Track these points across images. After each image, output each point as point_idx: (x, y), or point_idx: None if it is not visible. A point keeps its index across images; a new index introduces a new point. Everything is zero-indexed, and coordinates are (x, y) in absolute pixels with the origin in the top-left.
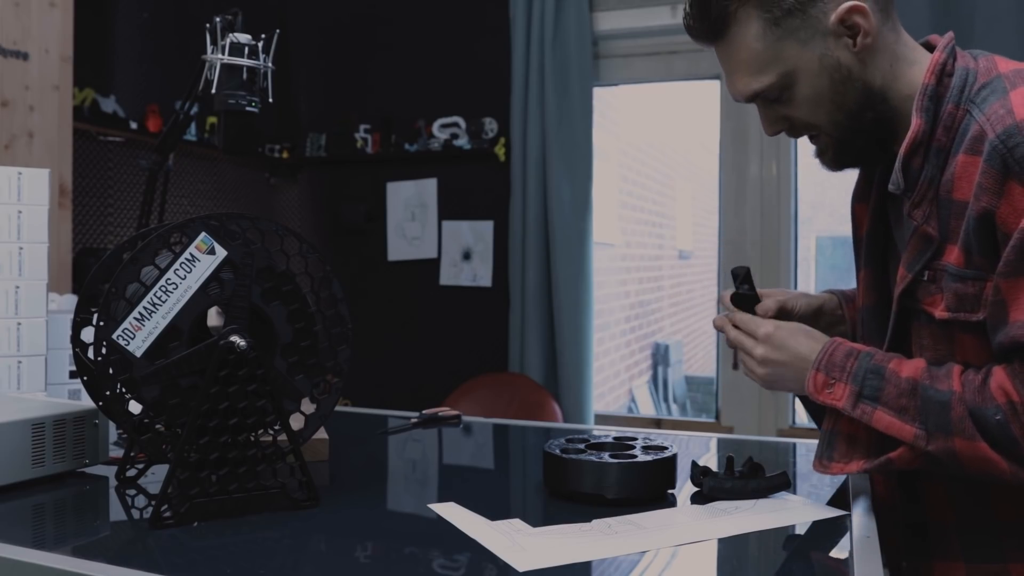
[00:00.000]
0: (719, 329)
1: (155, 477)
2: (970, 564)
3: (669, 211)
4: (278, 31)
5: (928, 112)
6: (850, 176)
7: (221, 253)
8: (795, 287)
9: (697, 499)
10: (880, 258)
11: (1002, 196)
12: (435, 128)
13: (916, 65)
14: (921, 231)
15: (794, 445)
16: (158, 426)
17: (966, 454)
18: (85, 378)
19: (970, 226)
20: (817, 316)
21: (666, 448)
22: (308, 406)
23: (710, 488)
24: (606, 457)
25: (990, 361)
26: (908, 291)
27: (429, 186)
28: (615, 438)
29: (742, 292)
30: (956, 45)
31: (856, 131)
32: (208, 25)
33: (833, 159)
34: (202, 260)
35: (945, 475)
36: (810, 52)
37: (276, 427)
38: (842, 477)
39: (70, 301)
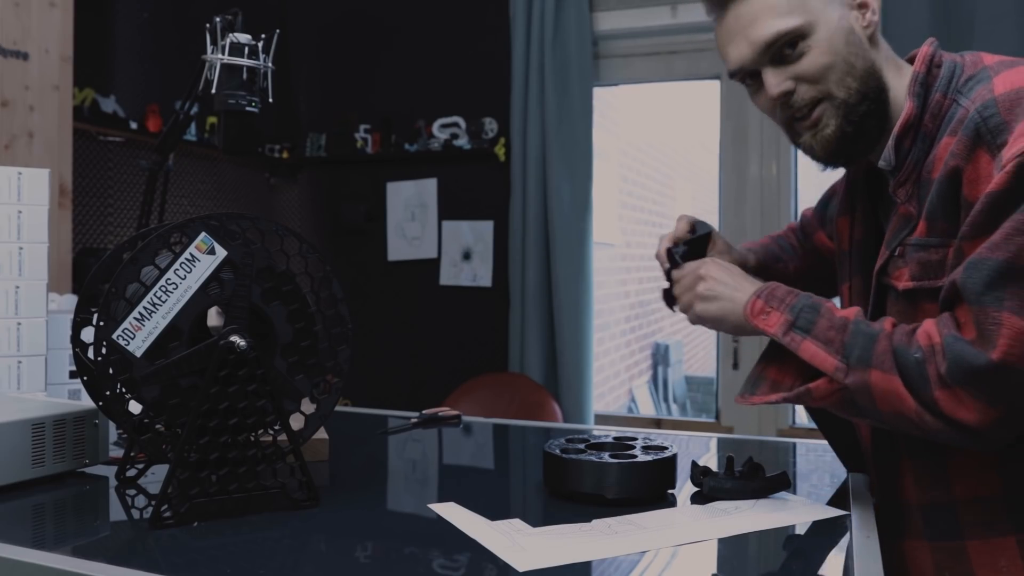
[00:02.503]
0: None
1: (155, 477)
2: (932, 542)
3: (669, 211)
4: (278, 31)
5: (919, 97)
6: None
7: (221, 253)
8: None
9: (697, 499)
10: (871, 267)
11: (969, 161)
12: (435, 128)
13: (903, 70)
14: (902, 210)
15: (794, 445)
16: (158, 426)
17: (879, 387)
18: (85, 378)
19: (937, 191)
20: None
21: (666, 448)
22: (308, 406)
23: (710, 488)
24: (606, 457)
25: None
26: (883, 268)
27: (429, 186)
28: (615, 438)
29: (680, 253)
30: (943, 49)
31: (863, 96)
32: (208, 25)
33: (836, 130)
34: (202, 260)
35: (912, 444)
36: (831, 10)
37: (276, 427)
38: (842, 476)
39: (70, 301)
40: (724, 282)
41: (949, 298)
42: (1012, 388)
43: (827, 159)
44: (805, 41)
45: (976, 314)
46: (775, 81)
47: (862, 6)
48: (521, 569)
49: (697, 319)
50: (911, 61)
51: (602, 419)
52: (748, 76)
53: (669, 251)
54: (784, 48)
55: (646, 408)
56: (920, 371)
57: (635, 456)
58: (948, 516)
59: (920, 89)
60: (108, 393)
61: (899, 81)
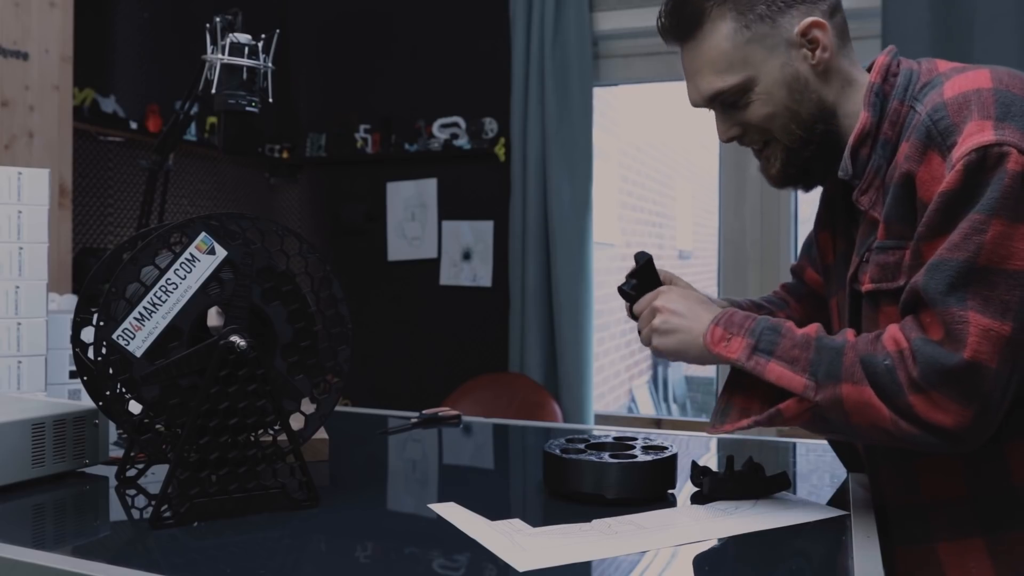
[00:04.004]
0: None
1: (155, 477)
2: (902, 546)
3: (669, 211)
4: (278, 31)
5: (875, 107)
6: None
7: (221, 253)
8: None
9: (697, 499)
10: None
11: (922, 163)
12: (435, 128)
13: (861, 84)
14: (868, 216)
15: (794, 445)
16: (158, 426)
17: (852, 399)
18: (85, 378)
19: (893, 194)
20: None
21: (666, 448)
22: (308, 406)
23: (710, 488)
24: (606, 457)
25: None
26: (854, 275)
27: (429, 186)
28: (615, 438)
29: (628, 287)
30: (900, 55)
31: (806, 141)
32: (208, 25)
33: (780, 171)
34: (202, 260)
35: (885, 451)
36: (773, 59)
37: (276, 427)
38: (842, 476)
39: (70, 301)
40: (680, 313)
41: (911, 302)
42: (984, 385)
43: (779, 187)
44: (747, 94)
45: (941, 315)
46: (723, 128)
47: (812, 42)
48: (521, 569)
49: (657, 353)
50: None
51: (602, 419)
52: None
53: (620, 289)
54: (727, 100)
55: (646, 408)
56: (891, 378)
57: (635, 456)
58: (918, 520)
59: (875, 99)
60: (108, 393)
61: (856, 100)
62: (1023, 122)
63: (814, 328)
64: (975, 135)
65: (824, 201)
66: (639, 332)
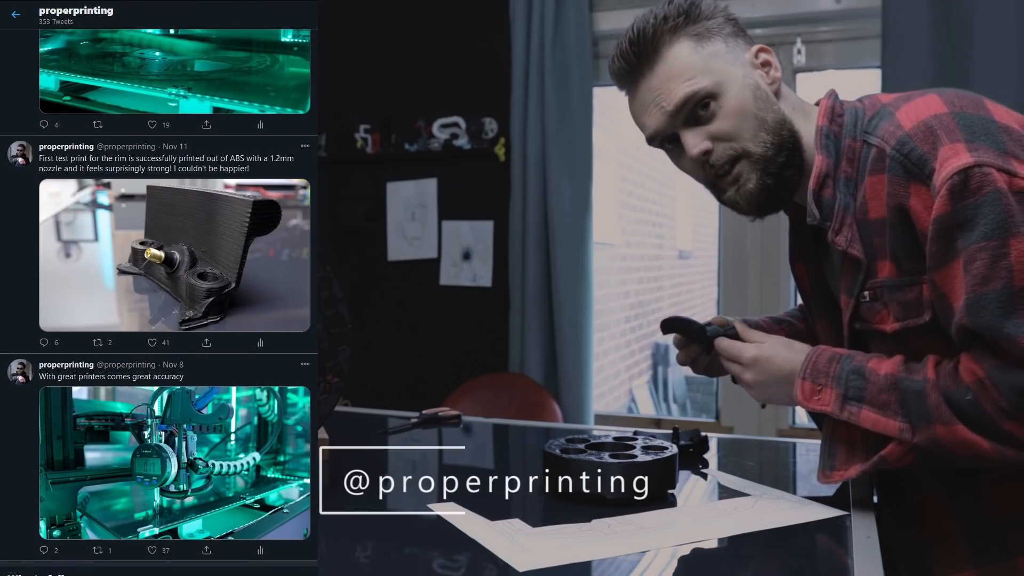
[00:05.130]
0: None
1: None
2: (980, 567)
3: (669, 211)
4: None
5: (828, 149)
6: None
7: None
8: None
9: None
10: (831, 307)
11: (910, 196)
12: (435, 128)
13: (811, 116)
14: (849, 256)
15: (794, 445)
16: None
17: (948, 440)
18: None
19: (893, 232)
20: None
21: (666, 448)
22: None
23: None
24: (606, 457)
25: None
26: (855, 315)
27: (429, 186)
28: (615, 438)
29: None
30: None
31: (779, 147)
32: None
33: (758, 183)
34: None
35: (941, 473)
36: (735, 70)
37: None
38: None
39: None
40: (768, 371)
41: (966, 339)
42: None
43: (753, 212)
44: (716, 101)
45: (1006, 344)
46: (693, 142)
47: (765, 64)
48: (521, 569)
49: (762, 401)
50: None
51: (602, 419)
52: (667, 141)
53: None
54: (696, 109)
55: (646, 408)
56: (978, 411)
57: (635, 456)
58: (994, 536)
59: (827, 140)
60: None
61: (808, 126)
62: (989, 140)
63: (896, 366)
64: (951, 159)
65: (793, 233)
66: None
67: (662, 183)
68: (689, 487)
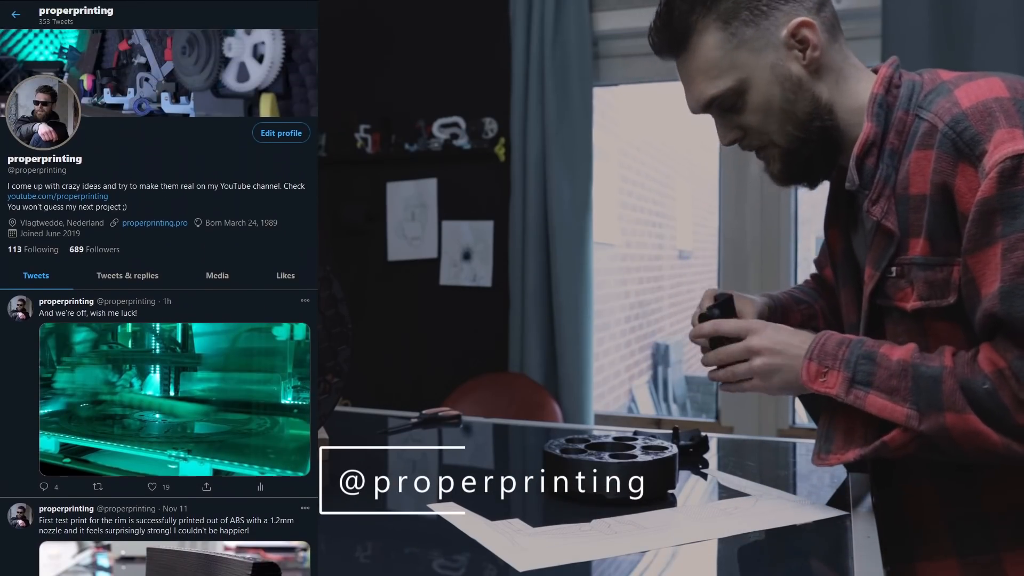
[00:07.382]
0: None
1: None
2: (963, 558)
3: (669, 211)
4: None
5: (879, 118)
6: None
7: None
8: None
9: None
10: (856, 276)
11: (956, 176)
12: (435, 128)
13: (862, 83)
14: (882, 227)
15: (794, 445)
16: None
17: (958, 428)
18: None
19: (932, 211)
20: (774, 314)
21: (666, 448)
22: None
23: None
24: (606, 457)
25: (965, 347)
26: (878, 290)
27: (429, 186)
28: (615, 438)
29: (713, 314)
30: (902, 67)
31: (804, 141)
32: None
33: (781, 171)
34: None
35: (936, 464)
36: (763, 61)
37: None
38: (842, 476)
39: None
40: (777, 351)
41: (990, 327)
42: None
43: (785, 183)
44: (742, 97)
45: None
46: (722, 132)
47: (802, 42)
48: (521, 569)
49: (755, 390)
50: (875, 72)
51: (602, 419)
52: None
53: (703, 316)
54: (723, 105)
55: (646, 408)
56: (994, 402)
57: (635, 456)
58: (981, 530)
59: (879, 110)
60: None
61: (854, 93)
62: None
63: (909, 352)
64: (1007, 143)
65: (831, 198)
66: (710, 365)
67: (662, 183)
68: (689, 487)
